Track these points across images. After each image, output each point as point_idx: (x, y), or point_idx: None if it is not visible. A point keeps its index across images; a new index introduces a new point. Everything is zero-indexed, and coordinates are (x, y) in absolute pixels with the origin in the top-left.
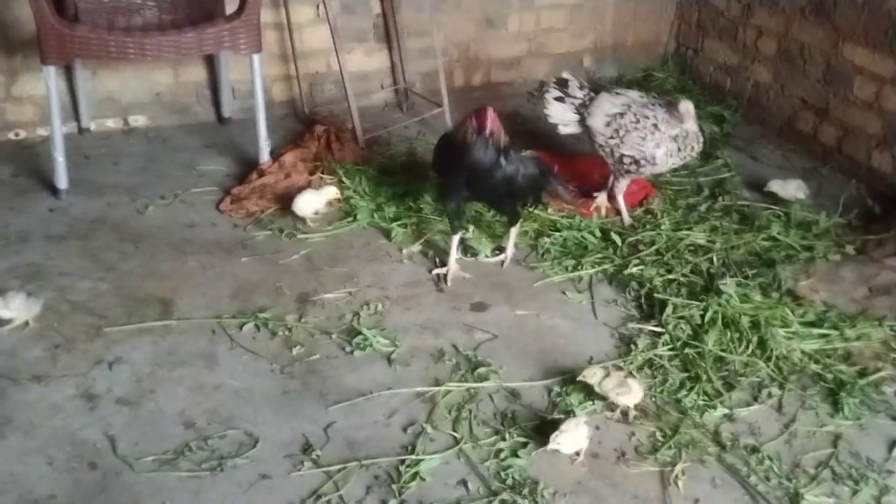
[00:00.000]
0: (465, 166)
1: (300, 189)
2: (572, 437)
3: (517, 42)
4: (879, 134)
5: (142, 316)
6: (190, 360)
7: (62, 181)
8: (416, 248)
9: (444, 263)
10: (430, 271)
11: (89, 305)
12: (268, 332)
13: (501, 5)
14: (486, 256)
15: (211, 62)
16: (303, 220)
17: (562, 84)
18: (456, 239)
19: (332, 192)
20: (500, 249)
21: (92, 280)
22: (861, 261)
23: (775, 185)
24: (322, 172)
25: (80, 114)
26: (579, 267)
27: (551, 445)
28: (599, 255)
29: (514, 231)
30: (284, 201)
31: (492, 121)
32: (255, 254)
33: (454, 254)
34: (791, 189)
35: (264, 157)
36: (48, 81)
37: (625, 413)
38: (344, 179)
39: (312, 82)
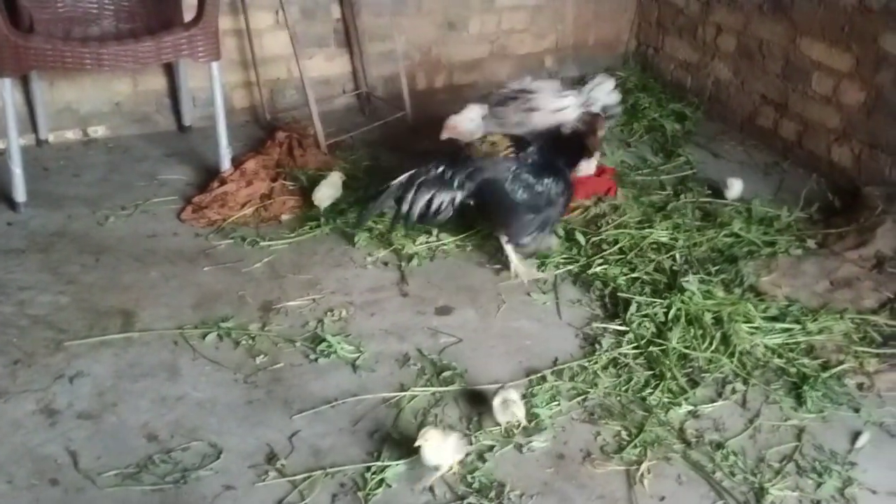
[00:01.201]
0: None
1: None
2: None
3: (479, 44)
4: (838, 128)
5: (103, 329)
6: (152, 371)
7: (20, 194)
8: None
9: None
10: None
11: (49, 319)
12: (231, 341)
13: (462, 8)
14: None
15: (170, 70)
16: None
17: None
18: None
19: (338, 177)
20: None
21: (52, 293)
22: (822, 254)
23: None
24: (284, 179)
25: (38, 125)
26: (542, 268)
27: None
28: (563, 256)
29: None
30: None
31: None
32: (217, 263)
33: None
34: (736, 189)
35: (225, 164)
36: (3, 93)
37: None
38: (306, 185)
39: (273, 88)
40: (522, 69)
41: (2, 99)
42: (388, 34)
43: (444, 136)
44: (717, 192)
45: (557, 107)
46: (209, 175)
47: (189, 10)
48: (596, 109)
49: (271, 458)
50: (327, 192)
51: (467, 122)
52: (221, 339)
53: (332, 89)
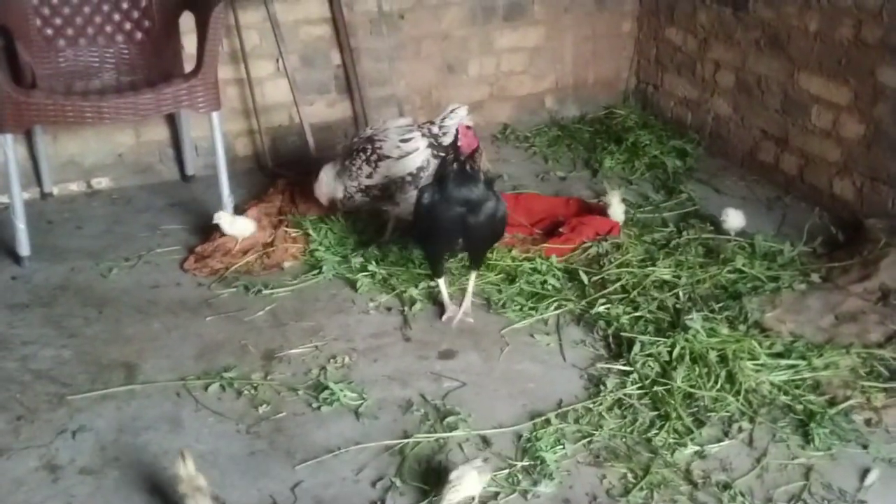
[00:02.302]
0: (452, 198)
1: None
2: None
3: (478, 86)
4: (839, 161)
5: (106, 382)
6: (154, 424)
7: (24, 248)
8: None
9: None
10: (445, 322)
11: (52, 374)
12: (233, 391)
13: (461, 51)
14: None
15: (172, 120)
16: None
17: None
18: (442, 282)
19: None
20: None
21: (55, 347)
22: (827, 289)
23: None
24: (287, 226)
25: (42, 178)
26: (544, 310)
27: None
28: (563, 297)
29: (473, 277)
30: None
31: (466, 137)
32: (219, 312)
33: (445, 294)
34: (735, 220)
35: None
36: (6, 149)
37: None
38: (311, 232)
39: (275, 136)
40: (523, 110)
41: (4, 154)
42: (388, 79)
43: (325, 203)
44: (719, 227)
45: (403, 152)
46: (212, 224)
47: (189, 61)
48: (449, 139)
49: None
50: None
51: (324, 185)
52: (224, 390)
53: (335, 134)
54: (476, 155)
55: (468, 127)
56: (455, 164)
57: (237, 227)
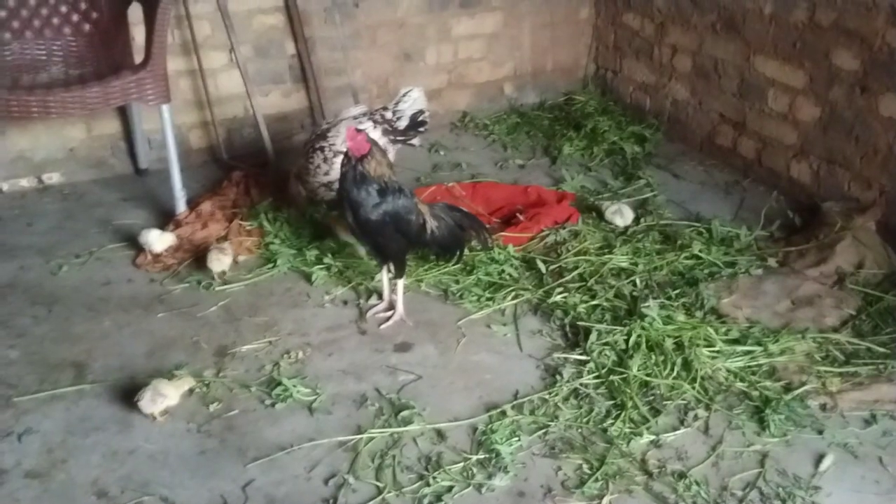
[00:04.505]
0: (344, 197)
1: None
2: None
3: (436, 74)
4: (796, 145)
5: (54, 382)
6: (103, 425)
7: None
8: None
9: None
10: (364, 312)
11: None
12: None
13: (418, 39)
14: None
15: (124, 113)
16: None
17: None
18: (385, 273)
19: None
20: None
21: (2, 348)
22: (783, 273)
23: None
24: (241, 219)
25: None
26: (501, 300)
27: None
28: (521, 287)
29: (399, 285)
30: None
31: (354, 142)
32: (172, 308)
33: (401, 295)
34: (621, 213)
35: (180, 207)
36: None
37: None
38: (265, 224)
39: (230, 127)
40: (482, 98)
41: None
42: (344, 68)
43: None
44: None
45: None
46: (165, 218)
47: (140, 53)
48: (404, 122)
49: None
50: (218, 261)
51: (293, 186)
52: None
53: (291, 125)
54: (366, 159)
55: (357, 130)
56: (346, 164)
57: (164, 241)
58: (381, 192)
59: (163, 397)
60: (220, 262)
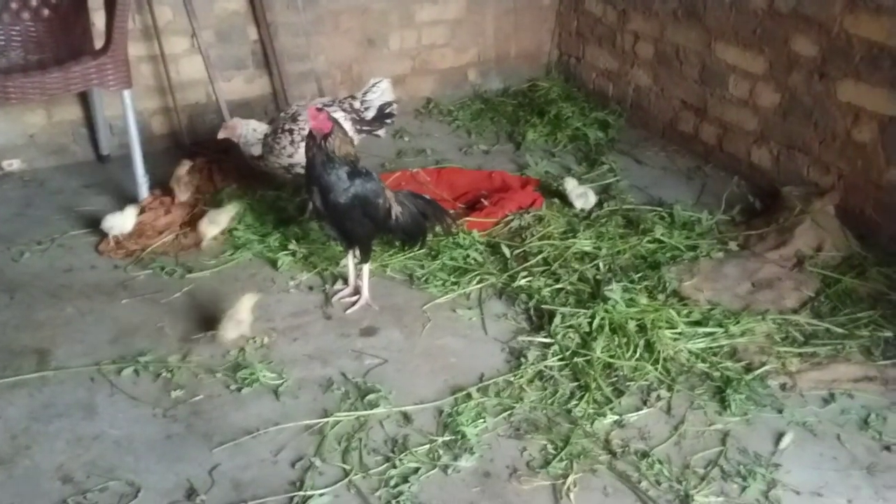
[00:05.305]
0: (313, 181)
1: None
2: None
3: (400, 60)
4: (756, 130)
5: (16, 369)
6: (68, 411)
7: None
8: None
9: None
10: (329, 297)
11: None
12: (150, 375)
13: (381, 25)
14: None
15: (85, 99)
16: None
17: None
18: (350, 258)
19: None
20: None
21: None
22: (744, 256)
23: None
24: (204, 205)
25: None
26: (466, 284)
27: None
28: (486, 271)
29: (364, 270)
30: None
31: (316, 120)
32: (136, 294)
33: (366, 280)
34: (586, 197)
35: (143, 194)
36: None
37: None
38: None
39: (192, 113)
40: (446, 84)
41: None
42: (307, 54)
43: (221, 135)
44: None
45: None
46: (128, 205)
47: (101, 38)
48: (372, 113)
49: (191, 494)
50: (210, 227)
51: (249, 131)
52: (139, 374)
53: (254, 111)
54: (330, 137)
55: (318, 109)
56: (313, 147)
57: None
58: (350, 175)
59: (239, 322)
60: (214, 225)
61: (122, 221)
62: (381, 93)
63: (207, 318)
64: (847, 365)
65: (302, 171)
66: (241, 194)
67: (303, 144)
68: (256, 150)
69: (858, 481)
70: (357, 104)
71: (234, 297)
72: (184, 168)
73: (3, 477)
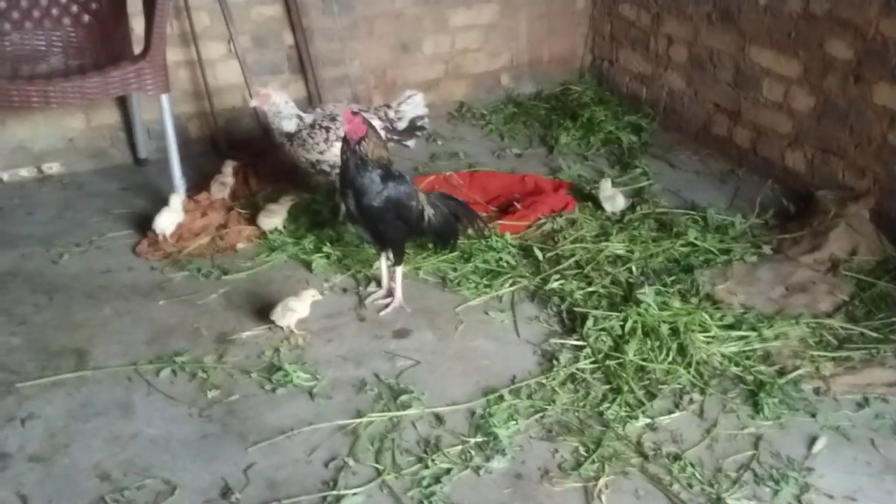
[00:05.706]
0: (348, 184)
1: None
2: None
3: (434, 64)
4: (790, 134)
5: (56, 369)
6: (105, 410)
7: None
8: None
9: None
10: (363, 299)
11: (1, 361)
12: (186, 375)
13: (415, 30)
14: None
15: (124, 103)
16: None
17: None
18: (383, 260)
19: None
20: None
21: (4, 335)
22: (777, 260)
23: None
24: (240, 208)
25: None
26: (499, 287)
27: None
28: (518, 274)
29: (397, 272)
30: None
31: (352, 124)
32: (172, 296)
33: (399, 282)
34: (614, 200)
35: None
36: None
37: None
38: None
39: (229, 117)
40: (479, 88)
41: None
42: (342, 59)
43: (253, 103)
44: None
45: None
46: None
47: (139, 43)
48: (404, 124)
49: (226, 492)
50: (269, 220)
51: (282, 102)
52: (176, 374)
53: None
54: (364, 141)
55: (354, 113)
56: (347, 151)
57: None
58: (383, 178)
59: (292, 311)
60: (270, 220)
61: (168, 217)
62: (414, 105)
63: (242, 319)
64: (881, 369)
65: (328, 169)
66: (275, 197)
67: (336, 144)
68: (288, 126)
69: (892, 486)
70: (392, 113)
71: (297, 287)
72: (229, 167)
73: (42, 474)
